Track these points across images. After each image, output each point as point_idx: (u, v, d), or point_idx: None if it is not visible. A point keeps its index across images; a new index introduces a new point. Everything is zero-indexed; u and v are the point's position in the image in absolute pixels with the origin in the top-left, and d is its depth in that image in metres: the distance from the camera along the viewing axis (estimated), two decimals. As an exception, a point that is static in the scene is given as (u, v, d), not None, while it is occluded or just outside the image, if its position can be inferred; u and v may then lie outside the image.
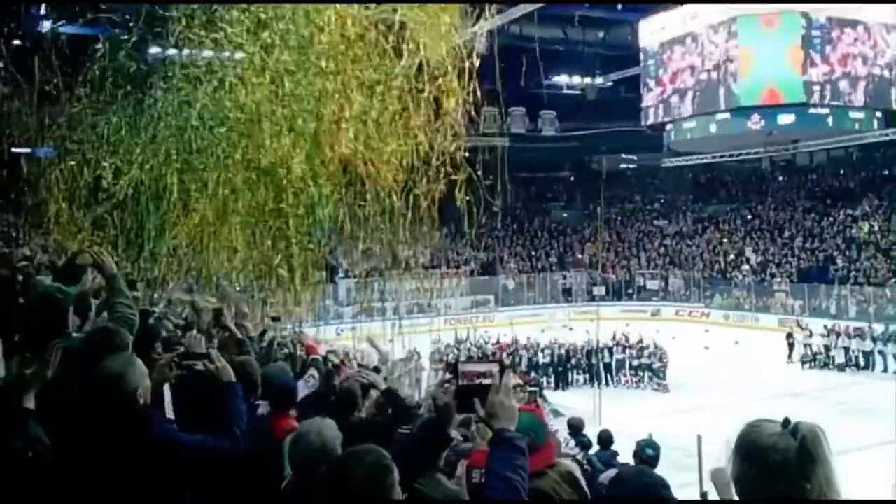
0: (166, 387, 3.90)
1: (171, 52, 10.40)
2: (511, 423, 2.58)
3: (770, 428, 2.18)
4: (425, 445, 3.27)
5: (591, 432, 10.83)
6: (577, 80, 45.67)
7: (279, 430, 4.40)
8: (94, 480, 3.02)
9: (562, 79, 45.15)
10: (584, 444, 9.65)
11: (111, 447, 3.05)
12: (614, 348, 26.09)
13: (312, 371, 7.15)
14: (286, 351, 9.59)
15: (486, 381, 2.75)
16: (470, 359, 5.63)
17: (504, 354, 25.60)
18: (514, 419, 2.60)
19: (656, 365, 24.86)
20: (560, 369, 25.89)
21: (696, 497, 6.83)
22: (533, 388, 13.19)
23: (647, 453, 7.98)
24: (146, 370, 3.34)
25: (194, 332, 5.00)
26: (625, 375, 25.66)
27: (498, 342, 27.03)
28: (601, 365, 25.93)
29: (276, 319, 11.11)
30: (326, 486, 2.41)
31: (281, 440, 4.22)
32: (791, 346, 28.94)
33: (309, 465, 3.12)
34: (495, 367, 2.78)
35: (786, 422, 2.18)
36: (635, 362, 25.60)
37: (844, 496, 2.20)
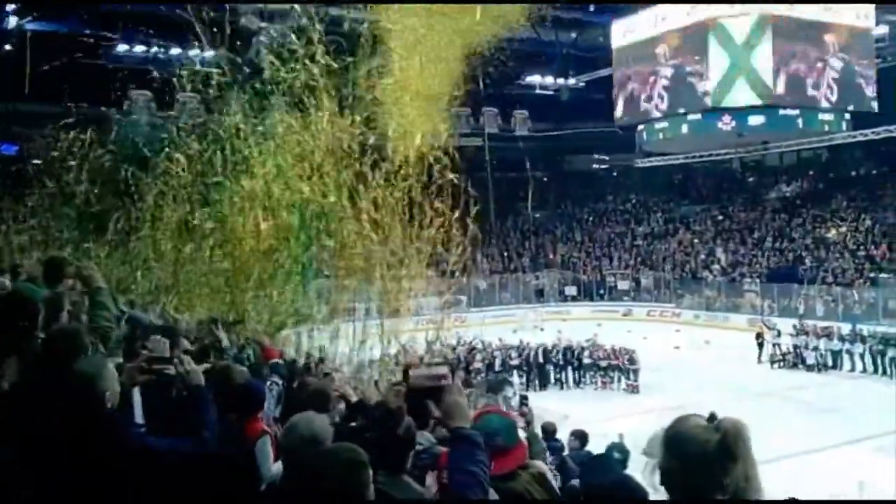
0: (136, 391, 3.84)
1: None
2: (466, 422, 2.62)
3: (695, 421, 2.19)
4: (377, 446, 3.21)
5: (563, 433, 10.81)
6: (549, 80, 45.83)
7: (251, 434, 4.37)
8: (60, 486, 2.91)
9: (535, 79, 45.30)
10: (556, 449, 9.61)
11: (78, 451, 2.95)
12: (584, 352, 26.02)
13: (274, 378, 7.06)
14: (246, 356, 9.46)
15: (438, 383, 2.75)
16: (419, 362, 5.63)
17: (475, 356, 25.51)
18: (468, 417, 2.64)
19: (628, 367, 24.83)
20: (531, 370, 25.77)
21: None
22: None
23: (615, 457, 7.95)
24: (117, 375, 3.29)
25: (158, 336, 4.88)
26: (595, 377, 25.61)
27: (466, 344, 26.82)
28: (571, 367, 25.99)
29: (236, 324, 11.04)
30: (302, 481, 2.43)
31: (253, 444, 4.27)
32: (761, 346, 29.14)
33: (299, 457, 3.07)
34: (445, 369, 2.80)
35: (711, 416, 2.19)
36: (603, 363, 25.58)
37: (810, 495, 2.21)
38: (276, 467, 4.33)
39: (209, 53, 38.27)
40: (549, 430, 10.25)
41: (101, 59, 37.47)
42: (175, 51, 38.54)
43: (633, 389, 24.51)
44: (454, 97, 16.69)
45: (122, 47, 37.87)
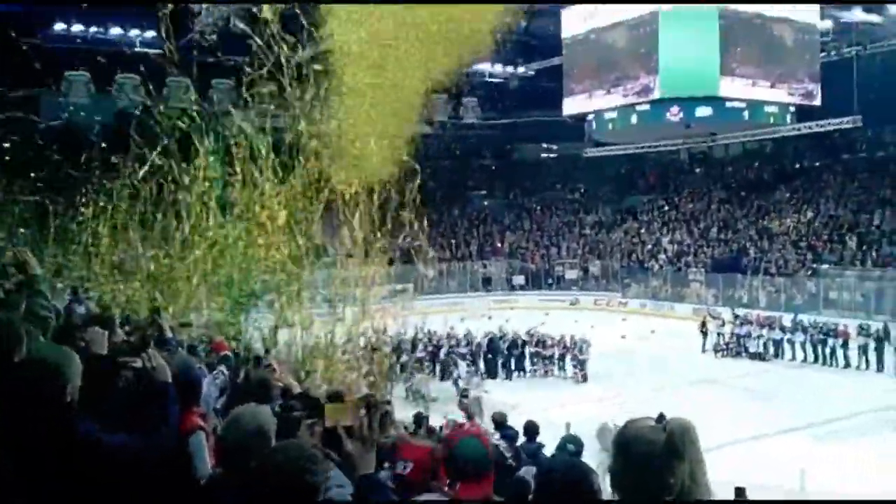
0: None
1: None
2: (370, 468, 2.67)
3: (644, 422, 2.20)
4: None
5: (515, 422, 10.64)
6: (499, 68, 45.68)
7: (185, 426, 4.12)
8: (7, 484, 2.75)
9: (484, 66, 45.08)
10: (509, 437, 9.43)
11: (29, 445, 2.81)
12: (531, 340, 25.92)
13: (221, 367, 6.87)
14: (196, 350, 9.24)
15: (346, 424, 2.76)
16: (334, 396, 5.51)
17: (425, 345, 25.31)
18: (372, 464, 2.69)
19: (580, 357, 24.74)
20: (477, 360, 25.56)
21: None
22: (465, 396, 12.93)
23: (569, 449, 7.80)
24: (81, 367, 3.12)
25: (96, 328, 4.61)
26: (543, 365, 25.52)
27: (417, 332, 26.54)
28: (515, 356, 25.88)
29: (186, 325, 10.87)
30: (253, 478, 2.36)
31: (186, 437, 4.06)
32: (705, 335, 29.44)
33: (243, 450, 2.96)
34: (350, 414, 2.79)
35: (660, 417, 2.20)
36: (548, 352, 25.51)
37: (752, 483, 2.17)
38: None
39: (149, 34, 37.39)
40: (500, 421, 10.06)
41: (37, 38, 36.25)
42: (115, 30, 37.60)
43: (582, 378, 24.43)
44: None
45: (59, 26, 36.69)
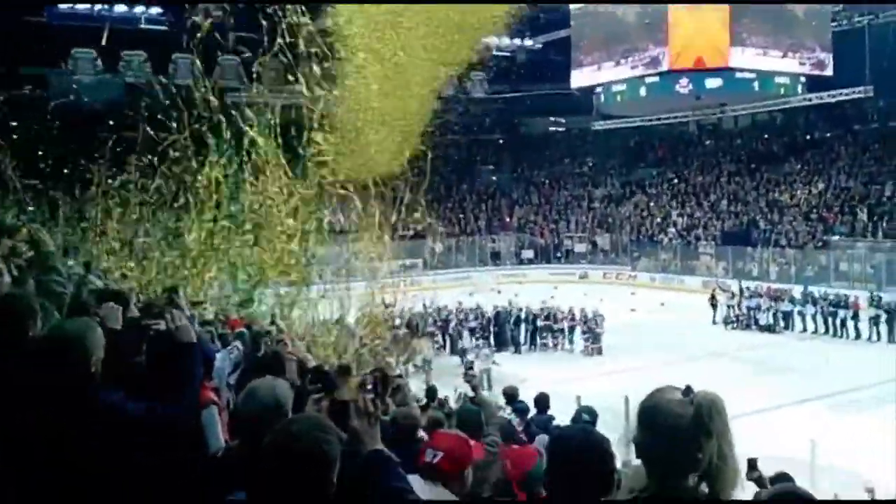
0: None
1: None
2: (377, 442, 2.64)
3: (671, 394, 2.16)
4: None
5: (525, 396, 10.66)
6: (506, 41, 45.32)
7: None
8: (31, 457, 2.82)
9: (491, 40, 44.67)
10: (521, 411, 9.48)
11: (55, 418, 2.85)
12: (542, 314, 25.94)
13: (236, 343, 6.91)
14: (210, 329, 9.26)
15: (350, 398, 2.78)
16: (343, 370, 5.54)
17: (434, 319, 25.33)
18: (377, 438, 2.65)
19: (595, 330, 24.73)
20: (488, 333, 25.61)
21: (622, 457, 6.72)
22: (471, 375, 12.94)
23: (584, 419, 7.81)
24: (103, 340, 3.17)
25: (111, 303, 4.61)
26: (553, 339, 25.54)
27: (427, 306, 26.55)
28: (528, 329, 25.93)
29: (198, 304, 10.87)
30: (268, 449, 2.31)
31: (199, 411, 4.13)
32: (715, 308, 29.40)
33: (260, 423, 2.91)
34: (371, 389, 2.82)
35: (686, 390, 2.15)
36: (559, 325, 25.53)
37: (764, 454, 2.16)
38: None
39: (154, 10, 37.24)
40: (511, 394, 10.11)
41: (44, 16, 36.17)
42: (120, 8, 37.44)
43: (597, 352, 24.42)
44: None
45: (64, 5, 36.57)
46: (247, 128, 15.42)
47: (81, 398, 2.93)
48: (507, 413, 8.90)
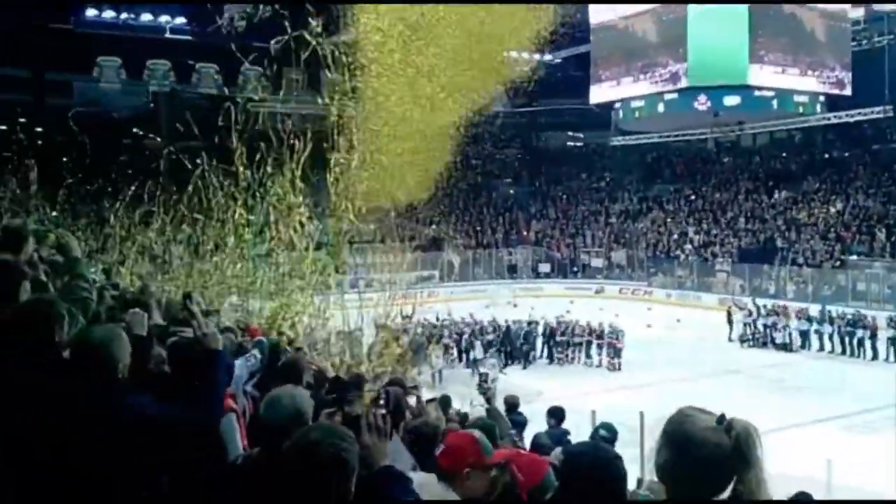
0: None
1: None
2: (387, 458, 2.64)
3: (703, 420, 2.12)
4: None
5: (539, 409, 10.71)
6: (526, 55, 45.45)
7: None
8: (55, 461, 2.86)
9: (511, 54, 44.83)
10: (518, 423, 9.53)
11: (83, 423, 2.90)
12: (560, 328, 25.99)
13: (254, 351, 6.98)
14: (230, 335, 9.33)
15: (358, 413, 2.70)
16: (356, 380, 5.56)
17: (450, 332, 25.41)
18: (387, 454, 2.65)
19: (616, 345, 24.76)
20: (506, 348, 25.68)
21: (637, 473, 6.78)
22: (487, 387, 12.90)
23: (602, 435, 7.86)
24: (129, 346, 3.24)
25: (136, 310, 4.72)
26: (571, 353, 25.58)
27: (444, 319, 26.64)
28: (547, 343, 25.98)
29: (211, 313, 10.97)
30: (288, 455, 2.37)
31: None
32: (731, 325, 29.32)
33: (281, 432, 2.94)
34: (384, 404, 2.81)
35: (721, 418, 2.12)
36: (578, 339, 25.59)
37: (778, 473, 2.24)
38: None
39: (179, 20, 37.63)
40: (511, 404, 10.15)
41: (70, 23, 36.67)
42: (146, 16, 37.93)
43: (617, 367, 24.42)
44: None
45: (91, 12, 37.07)
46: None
47: (107, 403, 2.98)
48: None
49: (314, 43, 15.00)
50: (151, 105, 39.61)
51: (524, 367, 25.16)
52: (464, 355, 24.91)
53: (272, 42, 15.86)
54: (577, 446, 2.70)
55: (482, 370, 21.89)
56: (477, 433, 3.20)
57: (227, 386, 4.53)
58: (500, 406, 10.20)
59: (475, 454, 3.02)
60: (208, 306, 12.35)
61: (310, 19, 14.98)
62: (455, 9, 15.76)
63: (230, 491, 3.21)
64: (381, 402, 2.84)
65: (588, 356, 25.38)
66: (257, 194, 15.93)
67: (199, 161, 17.05)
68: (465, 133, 16.85)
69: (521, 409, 10.66)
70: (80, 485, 2.87)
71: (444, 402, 11.32)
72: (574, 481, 2.44)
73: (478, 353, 24.51)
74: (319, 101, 16.26)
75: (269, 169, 15.59)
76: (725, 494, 2.06)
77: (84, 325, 3.92)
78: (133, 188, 19.81)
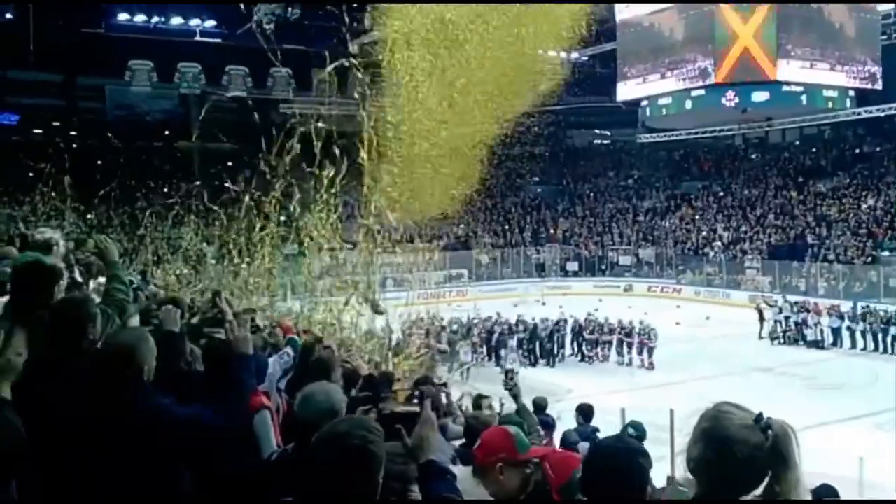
0: None
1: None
2: (434, 454, 2.68)
3: (740, 418, 2.14)
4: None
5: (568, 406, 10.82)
6: (552, 53, 45.42)
7: (248, 407, 4.30)
8: (82, 460, 2.94)
9: (542, 54, 44.81)
10: (546, 424, 9.62)
11: (107, 424, 2.96)
12: (590, 326, 26.03)
13: (287, 349, 7.10)
14: (263, 334, 9.48)
15: (411, 410, 2.76)
16: (386, 377, 5.71)
17: (480, 330, 25.51)
18: (436, 450, 2.72)
19: (648, 344, 24.76)
20: (534, 345, 25.75)
21: (667, 471, 6.87)
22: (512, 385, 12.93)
23: (629, 433, 7.94)
24: (155, 349, 3.27)
25: (169, 306, 4.87)
26: (602, 351, 25.64)
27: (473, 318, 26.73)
28: (576, 341, 26.05)
29: (250, 311, 11.19)
30: (317, 446, 2.40)
31: (251, 417, 4.19)
32: (762, 322, 29.16)
33: (316, 428, 2.91)
34: (416, 408, 2.82)
35: (759, 417, 2.14)
36: (606, 338, 25.63)
37: (809, 471, 2.19)
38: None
39: (209, 23, 38.03)
40: (540, 406, 10.25)
41: (102, 27, 37.19)
42: (176, 20, 38.39)
43: (649, 366, 24.42)
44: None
45: (122, 16, 37.59)
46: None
47: (130, 405, 3.03)
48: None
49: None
50: (181, 109, 40.19)
51: (552, 366, 25.20)
52: (493, 353, 25.00)
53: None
54: (602, 440, 2.76)
55: (507, 367, 22.05)
56: (513, 429, 3.18)
57: (256, 387, 4.63)
58: (528, 405, 10.33)
59: (509, 450, 2.99)
60: (243, 305, 12.57)
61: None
62: (483, 12, 15.84)
63: (269, 487, 3.30)
64: (416, 399, 2.90)
65: (619, 354, 25.38)
66: (289, 196, 16.15)
67: (230, 163, 17.25)
68: (499, 142, 16.93)
69: (551, 406, 10.78)
70: (102, 484, 2.94)
71: (478, 401, 11.49)
72: (597, 474, 2.43)
73: (506, 351, 24.62)
74: (350, 103, 16.43)
75: (302, 170, 15.78)
76: (759, 492, 2.10)
77: (120, 325, 4.04)
78: (166, 190, 20.11)
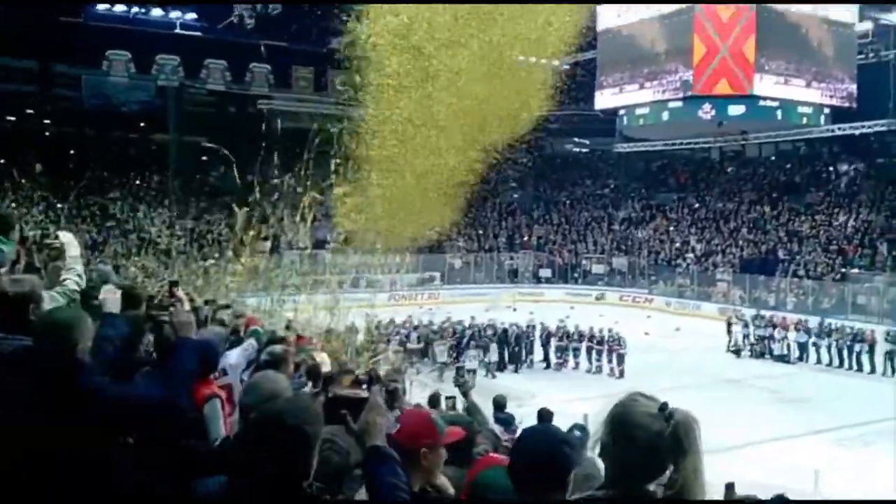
0: None
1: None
2: (382, 440, 2.66)
3: (645, 406, 2.20)
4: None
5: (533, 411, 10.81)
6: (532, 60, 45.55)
7: (199, 396, 4.28)
8: (16, 442, 2.86)
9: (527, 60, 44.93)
10: (505, 422, 9.65)
11: (38, 402, 2.90)
12: (558, 333, 26.11)
13: (251, 340, 7.06)
14: (225, 323, 9.37)
15: (359, 395, 2.75)
16: (345, 371, 5.69)
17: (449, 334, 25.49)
18: (383, 436, 2.69)
19: (619, 351, 24.90)
20: (502, 350, 25.74)
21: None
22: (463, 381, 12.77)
23: (575, 434, 7.92)
24: (92, 330, 3.26)
25: (109, 286, 4.81)
26: (574, 358, 25.70)
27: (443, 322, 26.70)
28: (545, 347, 26.09)
29: (212, 302, 11.08)
30: (254, 426, 2.49)
31: (201, 406, 4.22)
32: (730, 335, 29.34)
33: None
34: (365, 392, 2.79)
35: (663, 406, 2.19)
36: (575, 345, 25.71)
37: (767, 483, 2.21)
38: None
39: (190, 16, 37.76)
40: (499, 404, 10.29)
41: (80, 16, 36.82)
42: (156, 12, 38.12)
43: (619, 374, 24.47)
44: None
45: (101, 5, 37.24)
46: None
47: (65, 383, 2.97)
48: (491, 423, 9.11)
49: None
50: (158, 100, 39.87)
51: (516, 370, 25.24)
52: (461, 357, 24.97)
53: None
54: (529, 427, 2.77)
55: (460, 363, 22.17)
56: (432, 413, 3.22)
57: (208, 373, 4.62)
58: (489, 404, 10.34)
59: (432, 433, 3.02)
60: (214, 300, 12.44)
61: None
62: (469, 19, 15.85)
63: (208, 472, 3.22)
64: (364, 385, 2.88)
65: (589, 361, 25.44)
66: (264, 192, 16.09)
67: (205, 158, 17.22)
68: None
69: (514, 410, 10.79)
70: (40, 464, 2.88)
71: (434, 399, 11.50)
72: (521, 458, 2.47)
73: (470, 354, 24.62)
74: (329, 101, 16.41)
75: (277, 167, 15.74)
76: (663, 481, 2.14)
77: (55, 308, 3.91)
78: (139, 181, 19.94)
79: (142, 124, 39.97)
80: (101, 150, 36.36)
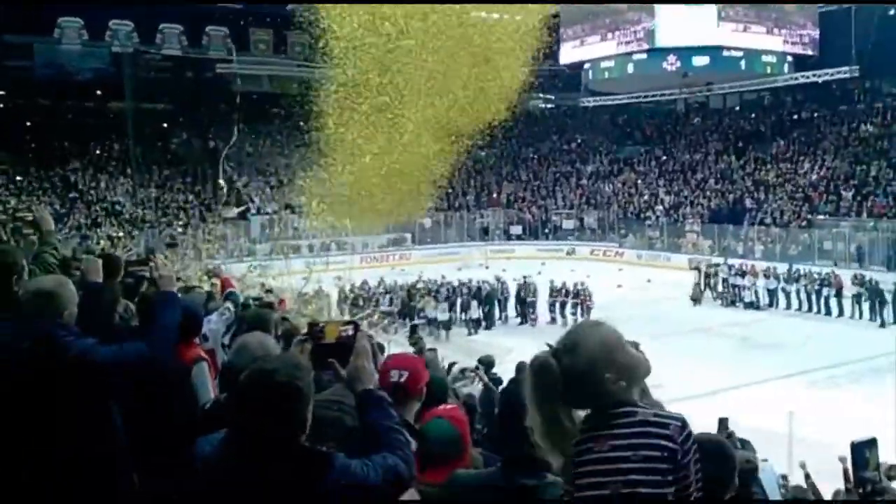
0: None
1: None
2: (371, 384, 2.65)
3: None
4: None
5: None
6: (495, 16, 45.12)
7: (186, 359, 4.30)
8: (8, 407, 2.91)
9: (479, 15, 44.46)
10: (495, 381, 9.65)
11: (27, 367, 2.94)
12: (529, 288, 26.23)
13: (228, 304, 7.00)
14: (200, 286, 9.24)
15: (347, 333, 2.78)
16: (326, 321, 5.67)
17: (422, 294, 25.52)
18: (373, 380, 2.68)
19: (587, 303, 25.18)
20: (481, 307, 25.82)
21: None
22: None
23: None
24: (76, 296, 3.27)
25: (90, 256, 4.76)
26: (540, 313, 25.83)
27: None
28: (518, 304, 26.19)
29: (172, 246, 10.91)
30: (243, 384, 2.37)
31: (188, 369, 4.23)
32: (701, 285, 29.60)
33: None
34: (351, 329, 2.81)
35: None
36: (551, 299, 25.88)
37: (741, 426, 2.27)
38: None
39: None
40: (488, 363, 10.28)
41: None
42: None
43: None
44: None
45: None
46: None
47: (50, 346, 2.98)
48: (486, 381, 9.13)
49: None
50: (113, 68, 38.96)
51: (488, 328, 25.35)
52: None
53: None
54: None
55: (416, 322, 22.28)
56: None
57: (193, 337, 4.54)
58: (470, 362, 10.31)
59: (427, 375, 3.17)
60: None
61: None
62: None
63: (198, 433, 3.22)
64: (346, 334, 2.84)
65: (552, 314, 25.67)
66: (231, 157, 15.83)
67: (166, 124, 16.91)
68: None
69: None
70: (31, 430, 2.90)
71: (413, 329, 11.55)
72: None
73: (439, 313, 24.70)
74: (289, 63, 16.15)
75: (241, 131, 15.48)
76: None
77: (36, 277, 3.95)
78: (98, 151, 19.54)
79: (98, 92, 39.06)
80: (58, 120, 35.57)
